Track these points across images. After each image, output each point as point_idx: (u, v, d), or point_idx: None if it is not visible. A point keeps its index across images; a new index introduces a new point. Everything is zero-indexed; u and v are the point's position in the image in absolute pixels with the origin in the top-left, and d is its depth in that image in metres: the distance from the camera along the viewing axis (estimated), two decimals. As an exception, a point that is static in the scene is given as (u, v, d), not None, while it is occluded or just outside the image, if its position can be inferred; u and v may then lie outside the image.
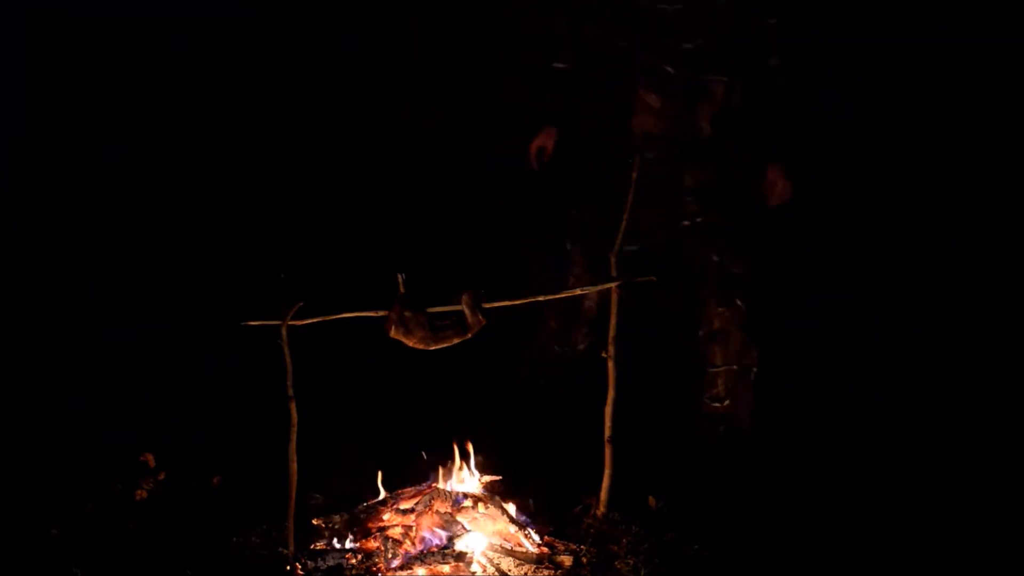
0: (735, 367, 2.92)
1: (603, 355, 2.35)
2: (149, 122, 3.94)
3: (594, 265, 2.87)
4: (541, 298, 2.30)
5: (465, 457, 2.48)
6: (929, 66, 3.54)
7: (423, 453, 2.58)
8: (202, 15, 3.91)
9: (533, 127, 2.99)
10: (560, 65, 2.89)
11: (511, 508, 2.41)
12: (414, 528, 2.31)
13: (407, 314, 2.17)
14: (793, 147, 2.85)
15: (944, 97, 3.58)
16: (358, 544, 2.30)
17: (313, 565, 2.20)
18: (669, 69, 2.75)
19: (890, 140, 3.74)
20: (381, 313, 2.19)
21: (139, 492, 2.48)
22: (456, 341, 2.22)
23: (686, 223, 2.86)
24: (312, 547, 2.29)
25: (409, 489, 2.46)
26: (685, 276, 2.90)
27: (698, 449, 2.87)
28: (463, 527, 2.31)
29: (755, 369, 2.94)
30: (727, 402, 2.93)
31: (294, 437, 2.17)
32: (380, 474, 2.45)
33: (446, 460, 2.47)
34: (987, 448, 2.84)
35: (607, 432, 2.34)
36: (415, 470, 2.55)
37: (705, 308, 2.92)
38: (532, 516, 2.43)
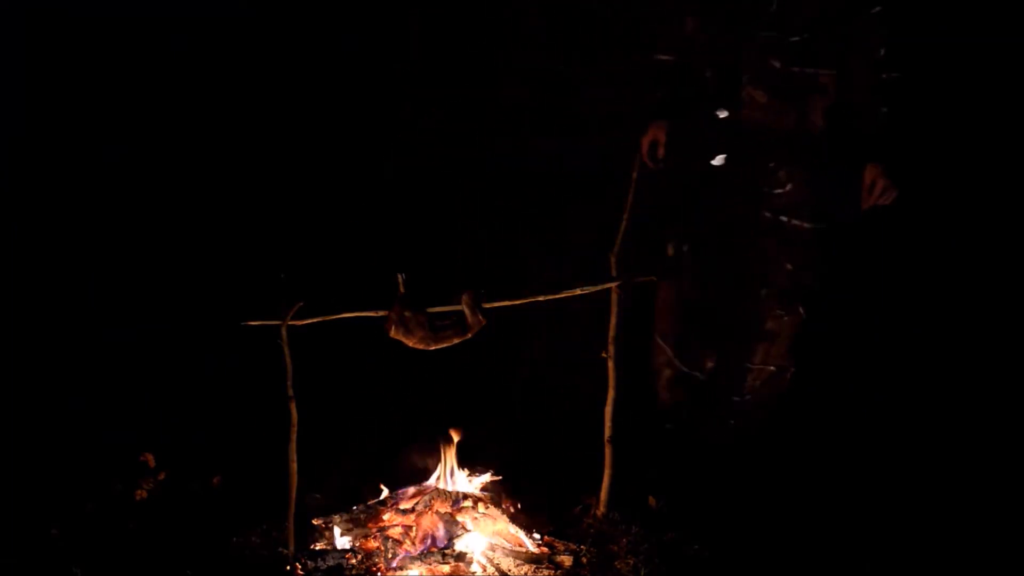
0: (772, 368, 2.89)
1: (603, 355, 2.35)
2: (149, 122, 3.94)
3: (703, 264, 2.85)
4: (541, 298, 2.30)
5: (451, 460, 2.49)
6: (927, 66, 3.53)
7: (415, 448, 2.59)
8: (202, 15, 3.91)
9: (641, 122, 2.86)
10: (664, 57, 2.82)
11: (511, 508, 2.42)
12: (414, 528, 2.31)
13: (407, 314, 2.17)
14: (901, 146, 2.71)
15: (942, 97, 3.58)
16: (358, 544, 2.30)
17: (313, 565, 2.20)
18: (775, 63, 2.66)
19: (888, 139, 3.73)
20: (381, 313, 2.19)
21: (139, 492, 2.48)
22: (456, 341, 2.22)
23: (768, 215, 2.77)
24: (312, 547, 2.30)
25: (409, 489, 2.46)
26: (749, 274, 2.82)
27: (699, 449, 2.87)
28: (463, 527, 2.31)
29: (792, 370, 2.89)
30: (748, 398, 2.91)
31: (294, 437, 2.17)
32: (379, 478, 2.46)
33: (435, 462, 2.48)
34: (987, 448, 2.85)
35: (607, 432, 2.34)
36: (414, 470, 2.55)
37: (762, 307, 2.83)
38: (528, 516, 2.43)
